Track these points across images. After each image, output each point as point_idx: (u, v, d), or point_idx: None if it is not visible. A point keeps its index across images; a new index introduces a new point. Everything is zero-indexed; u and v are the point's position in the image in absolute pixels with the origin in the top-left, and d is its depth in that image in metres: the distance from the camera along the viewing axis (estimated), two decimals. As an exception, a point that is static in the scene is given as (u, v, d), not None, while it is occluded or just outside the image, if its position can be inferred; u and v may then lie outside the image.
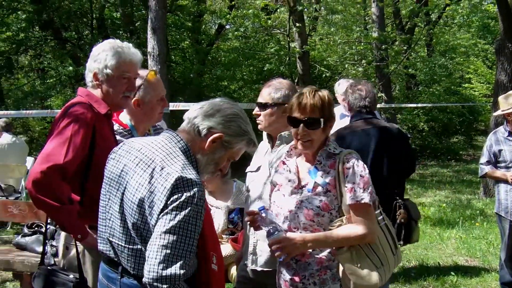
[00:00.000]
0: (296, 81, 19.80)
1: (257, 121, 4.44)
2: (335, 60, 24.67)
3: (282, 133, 4.39)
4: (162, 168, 2.91)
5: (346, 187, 3.61)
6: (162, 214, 2.82)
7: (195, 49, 23.67)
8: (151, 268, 2.79)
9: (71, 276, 3.90)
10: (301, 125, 3.67)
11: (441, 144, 26.81)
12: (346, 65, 24.54)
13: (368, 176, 3.63)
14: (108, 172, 3.22)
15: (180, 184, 2.83)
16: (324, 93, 3.75)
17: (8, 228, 11.25)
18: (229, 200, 6.15)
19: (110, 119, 4.18)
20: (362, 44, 22.01)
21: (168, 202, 2.82)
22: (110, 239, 3.15)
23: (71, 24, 22.52)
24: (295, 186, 3.79)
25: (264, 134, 4.69)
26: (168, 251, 2.78)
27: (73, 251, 3.99)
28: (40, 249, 6.15)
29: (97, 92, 4.09)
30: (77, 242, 3.89)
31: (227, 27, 24.77)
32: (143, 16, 21.19)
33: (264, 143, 4.65)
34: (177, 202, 2.81)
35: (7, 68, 23.21)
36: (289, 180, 3.83)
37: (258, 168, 4.57)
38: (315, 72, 23.54)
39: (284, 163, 3.94)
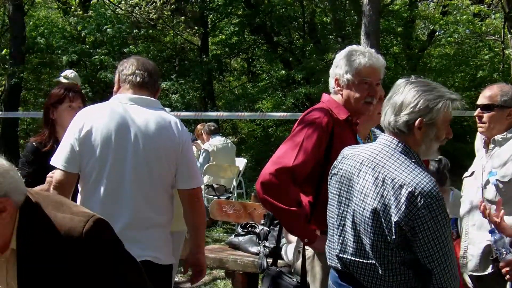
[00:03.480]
0: (509, 88, 18.94)
1: (478, 125, 4.41)
2: (550, 68, 23.30)
3: (496, 137, 4.34)
4: (392, 180, 2.86)
5: None
6: (419, 231, 2.80)
7: (406, 55, 23.32)
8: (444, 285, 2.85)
9: (295, 280, 3.97)
10: None
11: None
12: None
13: None
14: (333, 188, 3.24)
15: (418, 196, 2.77)
16: None
17: (218, 227, 11.50)
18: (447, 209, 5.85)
19: (353, 125, 4.10)
20: None
21: (417, 217, 2.78)
22: (341, 255, 3.14)
23: (283, 28, 22.90)
24: None
25: (478, 138, 4.67)
26: (445, 264, 2.82)
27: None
28: (253, 249, 6.27)
29: (338, 98, 4.05)
30: (305, 246, 3.89)
31: (438, 33, 24.11)
32: (355, 21, 21.10)
33: (480, 146, 4.62)
34: (428, 216, 2.78)
35: (219, 71, 24.07)
36: None
37: (472, 173, 4.54)
38: (529, 79, 22.42)
39: None
